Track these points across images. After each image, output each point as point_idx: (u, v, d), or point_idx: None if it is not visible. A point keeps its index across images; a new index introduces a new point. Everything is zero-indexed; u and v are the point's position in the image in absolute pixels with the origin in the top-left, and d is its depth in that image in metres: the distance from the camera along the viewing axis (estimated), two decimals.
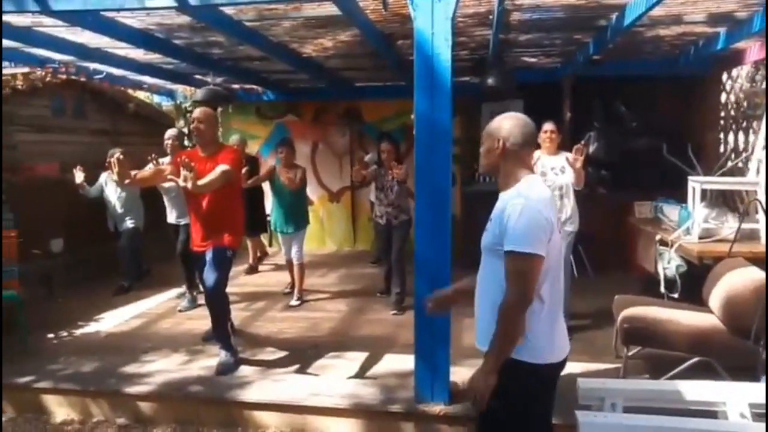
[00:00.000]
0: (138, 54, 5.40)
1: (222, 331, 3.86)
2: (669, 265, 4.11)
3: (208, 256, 3.71)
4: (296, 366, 3.84)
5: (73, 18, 3.71)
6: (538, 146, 4.36)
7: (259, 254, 7.00)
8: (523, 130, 1.92)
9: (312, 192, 8.01)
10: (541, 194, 1.85)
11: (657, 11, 4.14)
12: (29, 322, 4.36)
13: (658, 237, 4.36)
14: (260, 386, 3.53)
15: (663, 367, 3.37)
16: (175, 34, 4.67)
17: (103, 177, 5.82)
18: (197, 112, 3.85)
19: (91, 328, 4.74)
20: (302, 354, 4.03)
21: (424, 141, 3.05)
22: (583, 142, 6.64)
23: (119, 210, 5.86)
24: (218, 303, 3.79)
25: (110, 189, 5.82)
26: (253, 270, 6.77)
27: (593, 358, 3.79)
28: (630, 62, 6.13)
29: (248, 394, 3.43)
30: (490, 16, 3.92)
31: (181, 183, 3.36)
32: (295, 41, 4.94)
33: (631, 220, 5.24)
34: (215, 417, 3.43)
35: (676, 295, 4.08)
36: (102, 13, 3.74)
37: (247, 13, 4.06)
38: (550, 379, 1.92)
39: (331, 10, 3.67)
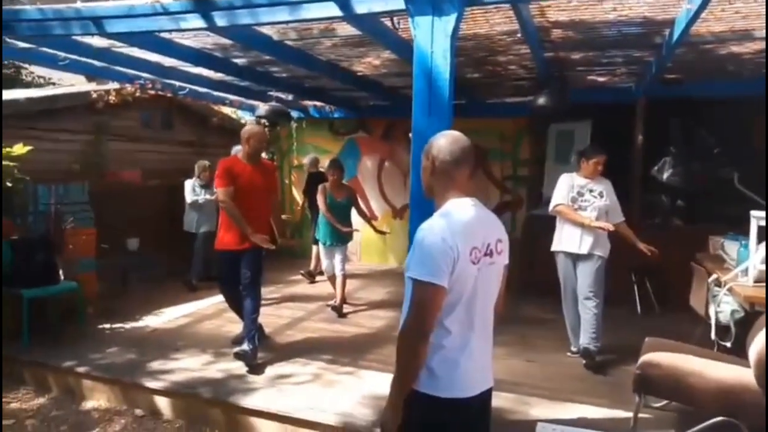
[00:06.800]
0: (210, 72, 5.81)
1: (251, 320, 4.13)
2: (721, 308, 3.64)
3: (248, 254, 4.16)
4: (307, 378, 3.88)
5: (126, 38, 4.09)
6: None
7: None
8: (452, 148, 1.79)
9: (376, 208, 8.13)
10: (456, 221, 1.70)
11: (719, 27, 3.79)
12: (100, 311, 4.84)
13: (712, 277, 3.87)
14: (265, 394, 3.60)
15: (692, 425, 2.97)
16: (232, 53, 4.97)
17: (190, 183, 6.39)
18: (256, 135, 4.17)
19: (143, 322, 5.13)
20: (318, 367, 4.07)
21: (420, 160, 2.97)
22: (656, 167, 6.17)
23: (202, 214, 6.40)
24: (253, 292, 4.19)
25: (199, 194, 6.42)
26: (310, 276, 6.94)
27: (616, 403, 3.45)
28: (715, 83, 5.58)
29: (250, 401, 3.51)
30: (518, 35, 3.77)
31: None
32: (342, 59, 5.07)
33: (697, 256, 4.70)
34: (219, 418, 3.56)
35: (728, 344, 3.60)
36: (156, 34, 4.08)
37: (287, 33, 4.25)
38: (459, 417, 1.74)
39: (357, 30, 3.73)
